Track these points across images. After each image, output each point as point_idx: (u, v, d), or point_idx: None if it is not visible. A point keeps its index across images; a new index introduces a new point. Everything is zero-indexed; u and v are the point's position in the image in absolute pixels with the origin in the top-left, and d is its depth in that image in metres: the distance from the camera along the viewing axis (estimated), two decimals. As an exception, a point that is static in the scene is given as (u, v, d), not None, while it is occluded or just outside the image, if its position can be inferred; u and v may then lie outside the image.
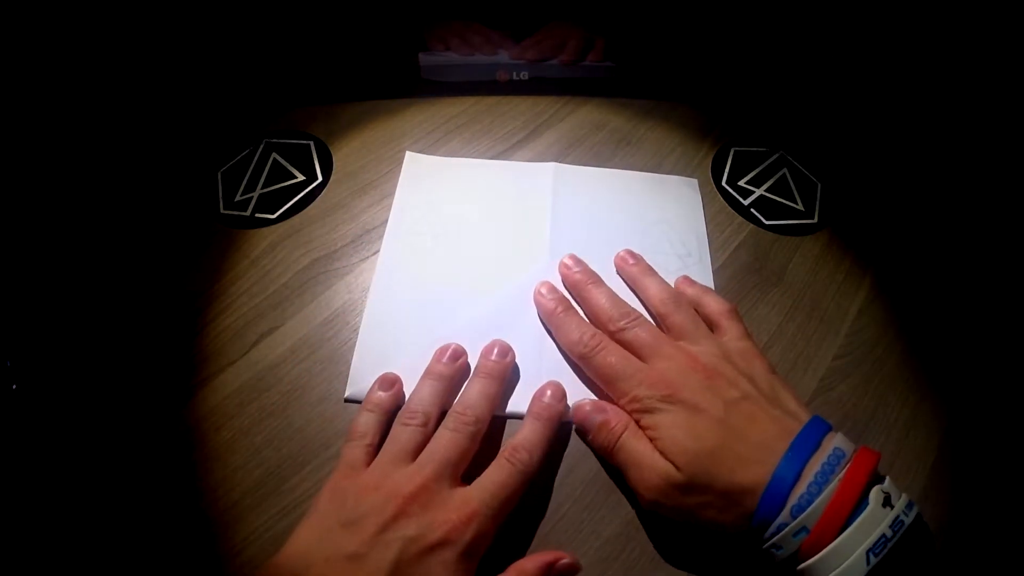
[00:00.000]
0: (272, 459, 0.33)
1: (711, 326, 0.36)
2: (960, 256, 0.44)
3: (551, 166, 0.46)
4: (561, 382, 0.35)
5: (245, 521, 0.31)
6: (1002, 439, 0.36)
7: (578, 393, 0.35)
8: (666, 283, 0.39)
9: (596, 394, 0.35)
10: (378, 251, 0.41)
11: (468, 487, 0.29)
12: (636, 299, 0.39)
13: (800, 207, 0.46)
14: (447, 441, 0.30)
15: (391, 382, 0.34)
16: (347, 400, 0.35)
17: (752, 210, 0.46)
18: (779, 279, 0.42)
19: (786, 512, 0.26)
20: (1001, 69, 0.47)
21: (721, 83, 0.54)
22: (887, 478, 0.27)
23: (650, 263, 0.40)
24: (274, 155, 0.47)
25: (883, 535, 0.25)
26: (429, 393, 0.33)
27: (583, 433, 0.34)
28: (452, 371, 0.34)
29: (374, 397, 0.33)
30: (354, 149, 0.48)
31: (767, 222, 0.45)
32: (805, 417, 0.30)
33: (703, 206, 0.45)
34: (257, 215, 0.43)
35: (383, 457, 0.30)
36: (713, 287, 0.41)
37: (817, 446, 0.28)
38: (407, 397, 0.33)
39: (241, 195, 0.45)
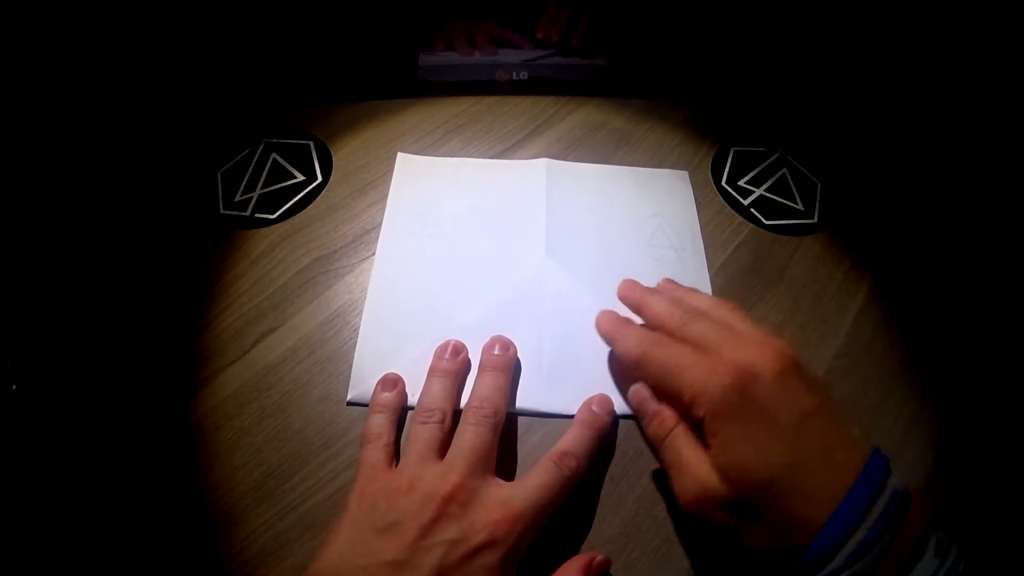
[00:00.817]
0: (272, 459, 0.33)
1: None
2: (960, 256, 0.44)
3: (543, 162, 0.46)
4: (577, 384, 0.35)
5: (245, 521, 0.31)
6: (1002, 439, 0.36)
7: (582, 396, 0.35)
8: (708, 295, 0.36)
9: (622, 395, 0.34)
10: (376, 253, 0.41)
11: (509, 485, 0.29)
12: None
13: (800, 207, 0.46)
14: (472, 435, 0.30)
15: (393, 382, 0.34)
16: (350, 403, 0.35)
17: (752, 210, 0.46)
18: (779, 279, 0.42)
19: (841, 558, 0.24)
20: (1001, 69, 0.47)
21: (721, 83, 0.54)
22: (943, 524, 0.25)
23: (645, 257, 0.40)
24: (274, 155, 0.47)
25: None
26: (439, 389, 0.33)
27: (638, 419, 0.33)
28: (456, 367, 0.35)
29: (380, 398, 0.33)
30: (354, 149, 0.48)
31: (767, 222, 0.45)
32: (868, 448, 0.26)
33: (696, 200, 0.45)
34: (257, 215, 0.43)
35: (409, 458, 0.30)
36: (708, 278, 0.41)
37: (882, 486, 0.25)
38: (412, 397, 0.33)
39: (241, 195, 0.45)
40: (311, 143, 0.48)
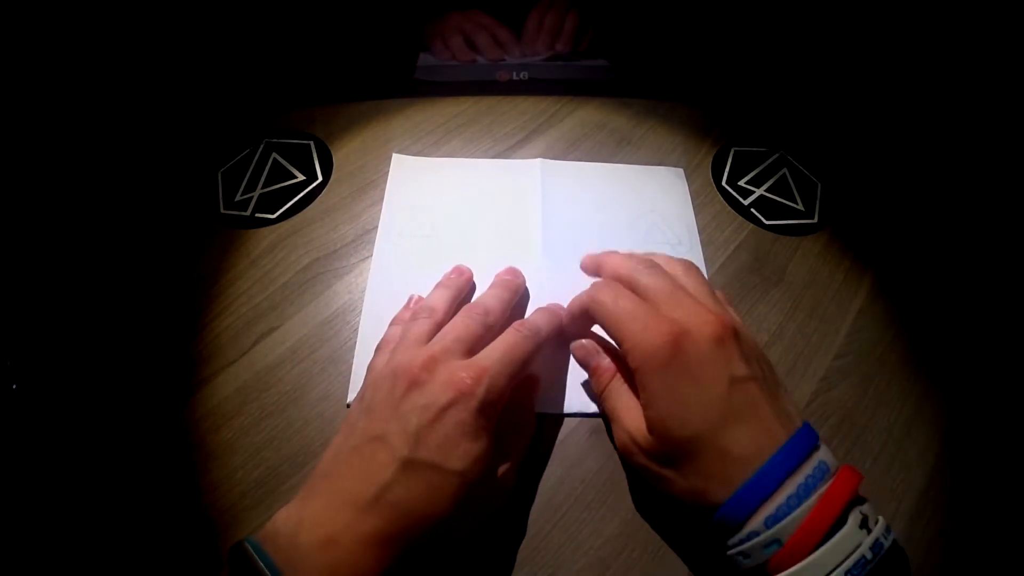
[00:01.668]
0: (272, 459, 0.33)
1: None
2: (960, 256, 0.44)
3: (538, 162, 0.46)
4: (574, 382, 0.36)
5: (245, 521, 0.31)
6: (1002, 439, 0.36)
7: (579, 394, 0.35)
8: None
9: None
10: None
11: (477, 354, 0.30)
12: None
13: (800, 207, 0.46)
14: (459, 323, 0.31)
15: (415, 301, 0.37)
16: (350, 404, 0.35)
17: (752, 210, 0.46)
18: (779, 279, 0.42)
19: (758, 521, 0.25)
20: (1001, 69, 0.47)
21: (721, 83, 0.54)
22: (867, 501, 0.26)
23: (642, 253, 0.40)
24: (274, 155, 0.47)
25: (863, 556, 0.24)
26: (438, 296, 0.35)
27: (584, 368, 0.34)
28: (459, 282, 0.37)
29: (400, 315, 0.37)
30: (354, 149, 0.48)
31: (767, 222, 0.45)
32: (798, 422, 0.28)
33: (696, 199, 0.45)
34: (257, 215, 0.43)
35: (396, 347, 0.31)
36: (706, 273, 0.41)
37: (804, 459, 0.26)
38: None
39: (241, 195, 0.45)
40: (311, 143, 0.48)
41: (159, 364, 0.36)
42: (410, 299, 0.38)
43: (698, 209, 0.45)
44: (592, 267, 0.36)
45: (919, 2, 0.49)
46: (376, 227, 0.43)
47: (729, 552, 0.26)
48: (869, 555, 0.24)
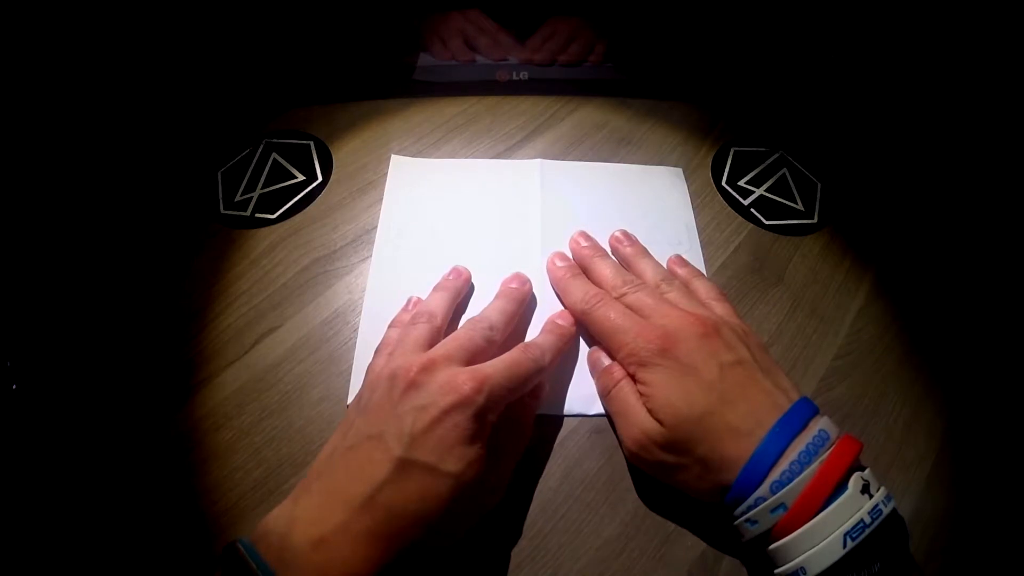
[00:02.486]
0: (272, 459, 0.33)
1: None
2: (960, 255, 0.44)
3: (537, 163, 0.46)
4: (574, 382, 0.36)
5: (245, 521, 0.31)
6: (1002, 439, 0.36)
7: (579, 394, 0.35)
8: (660, 264, 0.39)
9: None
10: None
11: (479, 364, 0.30)
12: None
13: (800, 207, 0.46)
14: (462, 334, 0.32)
15: (414, 303, 0.37)
16: (350, 405, 0.35)
17: (752, 210, 0.46)
18: (779, 279, 0.42)
19: (765, 487, 0.26)
20: (1001, 69, 0.47)
21: (721, 83, 0.54)
22: (867, 468, 0.27)
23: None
24: (274, 155, 0.47)
25: (862, 520, 0.25)
26: (436, 299, 0.36)
27: (592, 374, 0.35)
28: (457, 284, 0.37)
29: (400, 316, 0.36)
30: (354, 149, 0.48)
31: (767, 222, 0.45)
32: (795, 395, 0.29)
33: (696, 199, 0.45)
34: (257, 215, 0.43)
35: (395, 350, 0.31)
36: (705, 272, 0.41)
37: (803, 426, 0.28)
38: None
39: (241, 195, 0.45)
40: (311, 143, 0.48)
41: (159, 364, 0.36)
42: (408, 301, 0.38)
43: (698, 209, 0.45)
44: (580, 261, 0.39)
45: (919, 2, 0.49)
46: (376, 227, 0.43)
47: (736, 522, 0.27)
48: (868, 519, 0.25)
